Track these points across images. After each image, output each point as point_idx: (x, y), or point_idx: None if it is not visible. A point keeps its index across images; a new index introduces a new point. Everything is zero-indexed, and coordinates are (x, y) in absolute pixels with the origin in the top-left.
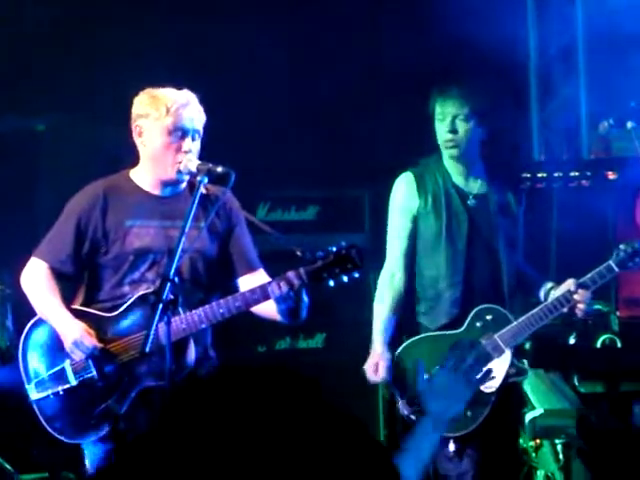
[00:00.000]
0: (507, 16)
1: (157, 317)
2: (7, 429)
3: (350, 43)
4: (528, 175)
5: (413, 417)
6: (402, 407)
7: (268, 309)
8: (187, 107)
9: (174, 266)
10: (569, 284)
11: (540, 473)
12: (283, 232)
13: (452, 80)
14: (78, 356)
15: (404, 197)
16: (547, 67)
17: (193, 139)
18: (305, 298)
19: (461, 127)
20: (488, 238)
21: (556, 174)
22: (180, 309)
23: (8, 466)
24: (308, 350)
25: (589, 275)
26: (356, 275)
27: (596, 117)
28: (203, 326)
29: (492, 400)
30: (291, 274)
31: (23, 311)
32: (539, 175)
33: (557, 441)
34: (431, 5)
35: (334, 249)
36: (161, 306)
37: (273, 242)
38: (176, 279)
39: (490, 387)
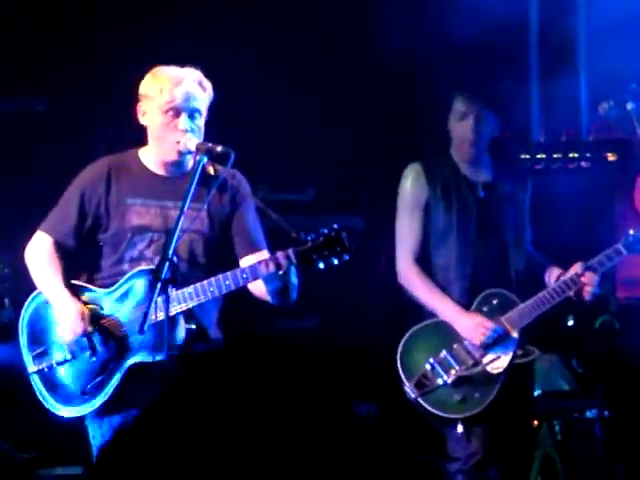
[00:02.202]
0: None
1: (155, 296)
2: (5, 406)
3: (347, 22)
4: (527, 156)
5: (420, 400)
6: (409, 391)
7: (259, 289)
8: (182, 85)
9: (173, 246)
10: (576, 267)
11: (538, 454)
12: (282, 213)
13: (475, 81)
14: (68, 338)
15: (414, 188)
16: (547, 48)
17: (192, 117)
18: (294, 279)
19: (481, 128)
20: (497, 228)
21: (555, 155)
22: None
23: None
24: (303, 330)
25: (596, 258)
26: (346, 258)
27: (596, 98)
28: (193, 304)
29: (500, 381)
30: (280, 254)
31: (22, 290)
32: (538, 156)
33: (555, 422)
34: None
35: (325, 231)
36: (159, 285)
37: (273, 223)
38: (174, 258)
39: (497, 368)
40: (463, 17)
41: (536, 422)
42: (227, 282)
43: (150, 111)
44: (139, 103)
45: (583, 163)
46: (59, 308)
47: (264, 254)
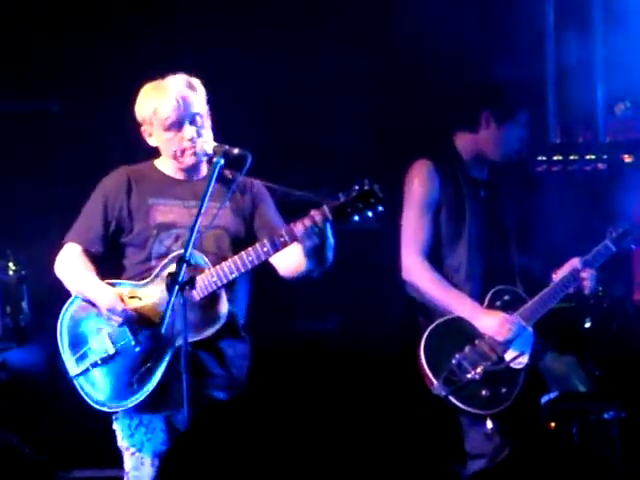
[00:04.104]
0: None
1: (172, 298)
2: (23, 409)
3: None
4: (544, 158)
5: (451, 398)
6: (438, 388)
7: (294, 258)
8: (170, 97)
9: (190, 247)
10: (574, 262)
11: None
12: (297, 211)
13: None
14: (115, 321)
15: (426, 185)
16: (563, 49)
17: (194, 122)
18: (330, 238)
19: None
20: (499, 226)
21: (572, 157)
22: (209, 264)
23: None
24: (323, 332)
25: (591, 254)
26: (380, 209)
27: (613, 99)
28: (234, 276)
29: (523, 375)
30: (314, 211)
31: (39, 293)
32: (555, 158)
33: (572, 424)
34: None
35: (357, 186)
36: (177, 288)
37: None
38: (196, 258)
39: (520, 363)
40: (476, 16)
41: (553, 424)
42: (265, 249)
43: (153, 132)
44: (142, 127)
45: (600, 165)
46: (96, 296)
47: None
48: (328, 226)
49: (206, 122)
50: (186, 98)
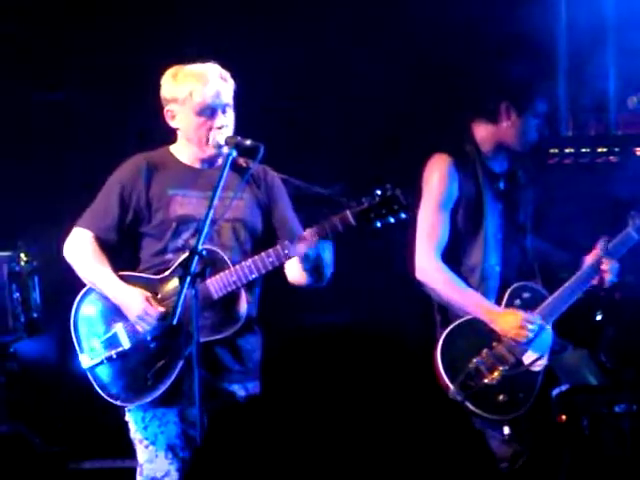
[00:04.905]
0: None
1: (184, 289)
2: (35, 400)
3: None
4: (556, 151)
5: (467, 403)
6: (454, 393)
7: (296, 271)
8: (210, 84)
9: (202, 239)
10: (595, 254)
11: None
12: (313, 204)
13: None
14: (146, 325)
15: (445, 182)
16: (576, 42)
17: (224, 112)
18: (328, 256)
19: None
20: (517, 220)
21: (584, 150)
22: (229, 262)
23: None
24: (335, 324)
25: (611, 244)
26: (403, 216)
27: (625, 92)
28: (254, 276)
29: (540, 377)
30: (337, 218)
31: (50, 284)
32: (567, 151)
33: (583, 417)
34: None
35: (379, 191)
36: (189, 279)
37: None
38: (207, 249)
39: (539, 366)
40: (490, 11)
41: (564, 417)
42: (285, 251)
43: (181, 114)
44: (166, 107)
45: (612, 157)
46: (122, 300)
47: None
48: (325, 246)
49: (232, 116)
50: (221, 87)
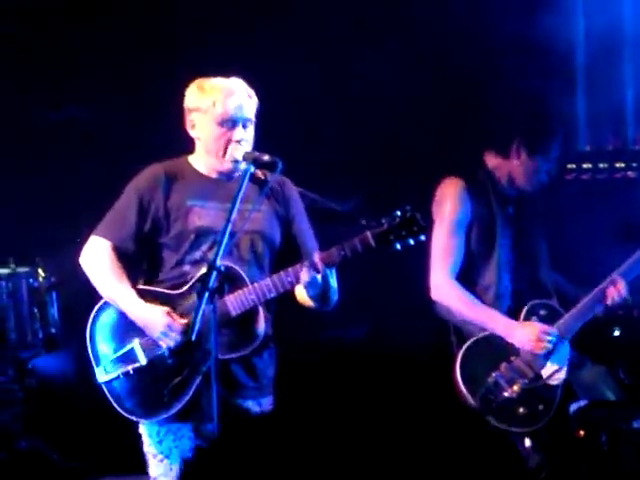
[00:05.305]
0: (554, 9)
1: (203, 305)
2: (53, 415)
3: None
4: (573, 166)
5: (488, 417)
6: (475, 407)
7: (302, 295)
8: (234, 97)
9: (220, 254)
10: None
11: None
12: (329, 219)
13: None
14: (170, 341)
15: (458, 205)
16: (593, 57)
17: (244, 127)
18: (333, 283)
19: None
20: (530, 243)
21: (601, 165)
22: (247, 281)
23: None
24: (352, 340)
25: (626, 264)
26: (422, 238)
27: None
28: (272, 295)
29: (559, 390)
30: (357, 239)
31: (68, 299)
32: (584, 166)
33: (601, 432)
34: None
35: (399, 213)
36: (207, 294)
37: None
38: (225, 265)
39: (558, 379)
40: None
41: (582, 432)
42: (304, 270)
43: (202, 123)
44: (188, 116)
45: (630, 173)
46: (140, 318)
47: None
48: (331, 273)
49: (252, 132)
50: (245, 102)
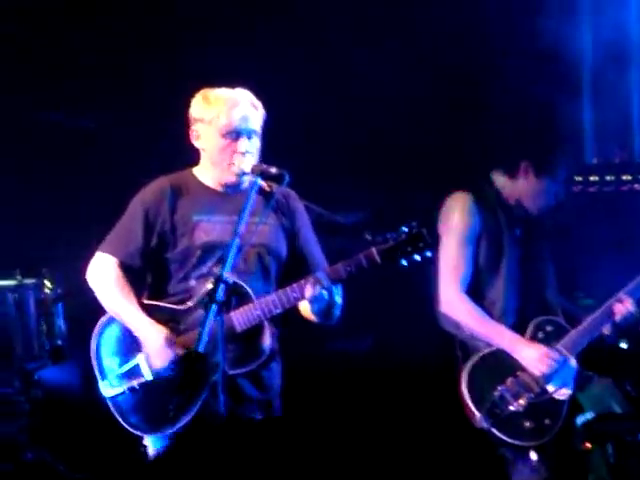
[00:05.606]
0: (560, 18)
1: (209, 318)
2: (59, 427)
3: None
4: (580, 179)
5: (494, 430)
6: (480, 420)
7: (306, 309)
8: (239, 108)
9: (227, 267)
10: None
11: (591, 477)
12: (334, 232)
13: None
14: (159, 364)
15: (466, 219)
16: (599, 69)
17: (249, 138)
18: (338, 299)
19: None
20: (537, 262)
21: (608, 177)
22: (253, 296)
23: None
24: (357, 352)
25: (634, 282)
26: (428, 254)
27: None
28: (278, 311)
29: (565, 405)
30: (362, 255)
31: (75, 311)
32: (591, 179)
33: (608, 445)
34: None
35: (405, 229)
36: (214, 307)
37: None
38: (232, 279)
39: (564, 394)
40: (516, 39)
41: (589, 445)
42: (311, 285)
43: (206, 134)
44: (192, 126)
45: (636, 185)
46: (141, 334)
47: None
48: (337, 289)
49: (257, 143)
50: (250, 113)
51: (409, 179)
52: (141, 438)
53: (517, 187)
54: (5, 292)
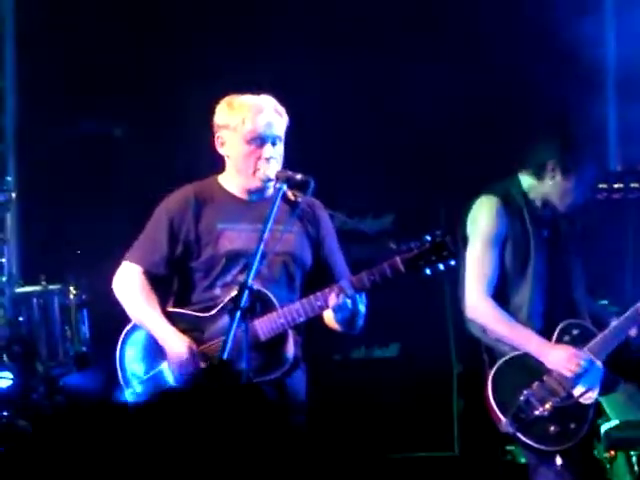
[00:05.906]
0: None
1: (234, 324)
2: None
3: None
4: (604, 186)
5: (519, 435)
6: (506, 425)
7: (330, 319)
8: (263, 114)
9: (252, 274)
10: None
11: None
12: (358, 240)
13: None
14: (182, 374)
15: (493, 223)
16: (624, 76)
17: (273, 144)
18: (362, 308)
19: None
20: (565, 265)
21: (633, 185)
22: (277, 304)
23: None
24: (383, 359)
25: None
26: (452, 263)
27: None
28: (302, 319)
29: (592, 410)
30: (386, 264)
31: (99, 317)
32: (615, 186)
33: (632, 452)
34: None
35: (429, 237)
36: (239, 313)
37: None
38: (256, 286)
39: (590, 399)
40: (539, 46)
41: (612, 452)
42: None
43: (231, 141)
44: (217, 133)
45: None
46: (165, 344)
47: None
48: (361, 298)
49: (281, 149)
50: (275, 119)
51: (435, 182)
52: None
53: (544, 187)
54: (30, 297)
